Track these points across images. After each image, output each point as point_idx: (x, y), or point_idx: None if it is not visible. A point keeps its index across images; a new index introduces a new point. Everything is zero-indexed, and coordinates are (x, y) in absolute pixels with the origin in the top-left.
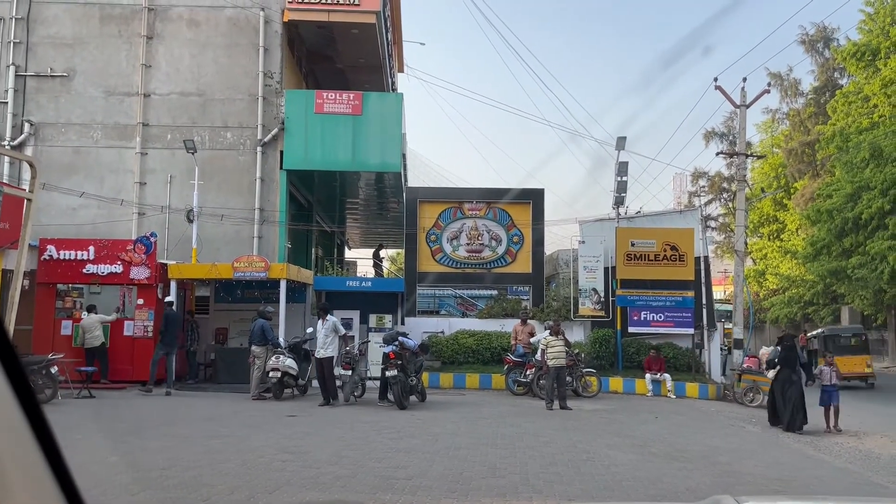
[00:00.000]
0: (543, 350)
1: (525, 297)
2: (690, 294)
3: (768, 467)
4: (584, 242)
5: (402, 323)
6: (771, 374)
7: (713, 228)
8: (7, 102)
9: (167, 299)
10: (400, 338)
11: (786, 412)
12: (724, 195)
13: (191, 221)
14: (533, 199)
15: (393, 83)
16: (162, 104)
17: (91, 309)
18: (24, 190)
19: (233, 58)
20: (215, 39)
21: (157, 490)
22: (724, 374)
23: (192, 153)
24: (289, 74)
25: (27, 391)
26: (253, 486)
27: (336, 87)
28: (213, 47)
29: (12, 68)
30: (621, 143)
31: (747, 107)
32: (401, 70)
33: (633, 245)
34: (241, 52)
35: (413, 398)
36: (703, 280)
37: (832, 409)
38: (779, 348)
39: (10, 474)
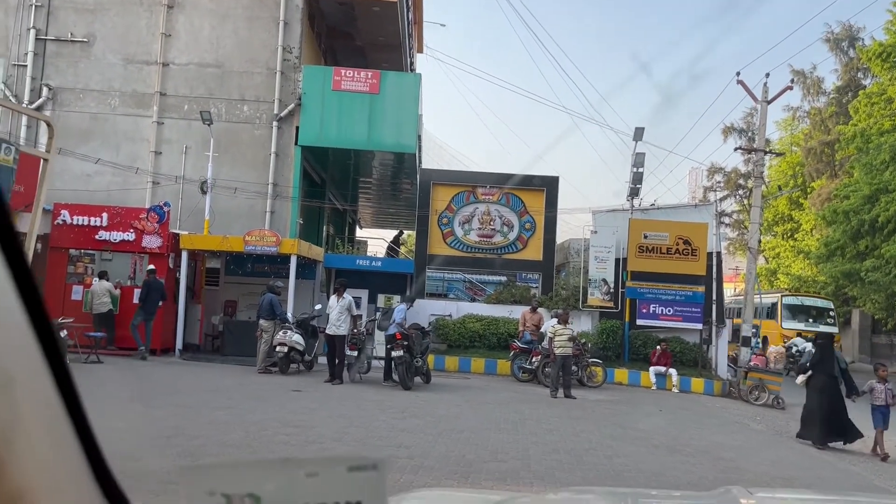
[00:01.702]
0: (551, 338)
1: (534, 285)
2: (701, 289)
3: (772, 465)
4: (596, 232)
5: (412, 304)
6: (800, 379)
7: (727, 225)
8: (27, 66)
9: (149, 267)
10: (394, 315)
11: (817, 424)
12: (740, 192)
13: (204, 193)
14: (547, 186)
15: (411, 63)
16: (180, 74)
17: (102, 275)
18: (41, 150)
19: (252, 30)
20: (235, 11)
21: (160, 458)
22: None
23: (209, 125)
24: (307, 50)
25: (57, 354)
26: (256, 458)
27: (354, 65)
28: (233, 19)
29: (33, 31)
30: (639, 133)
31: (769, 103)
32: (420, 50)
33: (645, 237)
34: (260, 25)
35: (418, 379)
36: (714, 276)
37: (883, 432)
38: (812, 350)
39: (42, 445)
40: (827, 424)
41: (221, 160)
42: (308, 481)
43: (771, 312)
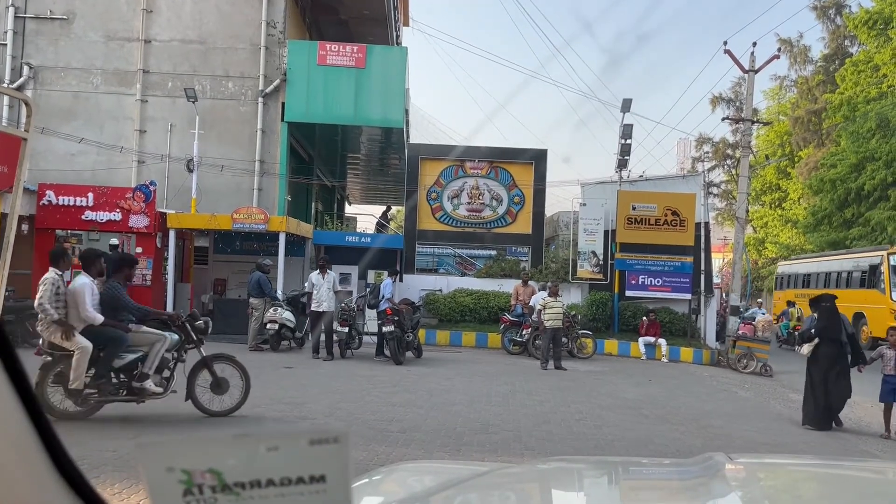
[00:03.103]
0: (541, 311)
1: (524, 258)
2: (689, 260)
3: (759, 432)
4: (585, 205)
5: (401, 280)
6: (806, 349)
7: (715, 195)
8: (6, 44)
9: (111, 241)
10: (382, 290)
11: (818, 406)
12: (728, 162)
13: (191, 171)
14: (535, 159)
15: (397, 37)
16: (163, 51)
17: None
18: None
19: (235, 5)
20: None
21: (152, 435)
22: (717, 339)
23: (193, 102)
24: (292, 24)
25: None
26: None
27: (340, 40)
28: None
29: (12, 9)
30: (626, 104)
31: (756, 72)
32: (406, 24)
33: (634, 209)
34: (243, 0)
35: (409, 354)
36: (702, 246)
37: (892, 407)
38: (814, 315)
39: None
40: (832, 408)
41: (207, 138)
42: (269, 455)
43: (870, 279)
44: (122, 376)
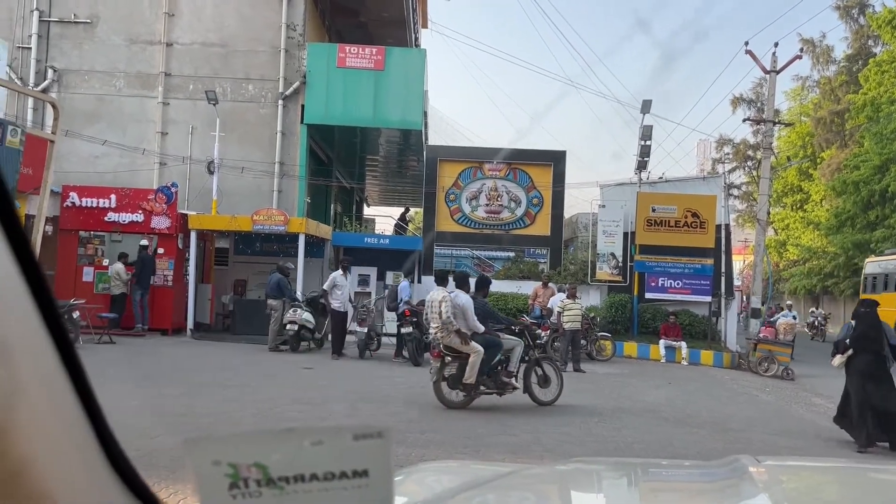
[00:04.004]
0: (560, 312)
1: (542, 260)
2: (710, 262)
3: (780, 436)
4: (604, 206)
5: (420, 282)
6: (837, 361)
7: (736, 197)
8: (31, 48)
9: (141, 242)
10: (400, 293)
11: (859, 420)
12: (749, 163)
13: (211, 173)
14: (554, 161)
15: (416, 39)
16: (184, 54)
17: (122, 257)
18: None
19: (256, 9)
20: None
21: (174, 435)
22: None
23: (214, 104)
24: (311, 27)
25: (63, 335)
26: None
27: (359, 42)
28: None
29: (36, 13)
30: (646, 106)
31: (777, 73)
32: (424, 26)
33: (653, 210)
34: (264, 3)
35: (427, 355)
36: (723, 248)
37: None
38: (852, 322)
39: (46, 415)
40: (872, 421)
41: (228, 140)
42: (313, 450)
43: None
44: (490, 374)
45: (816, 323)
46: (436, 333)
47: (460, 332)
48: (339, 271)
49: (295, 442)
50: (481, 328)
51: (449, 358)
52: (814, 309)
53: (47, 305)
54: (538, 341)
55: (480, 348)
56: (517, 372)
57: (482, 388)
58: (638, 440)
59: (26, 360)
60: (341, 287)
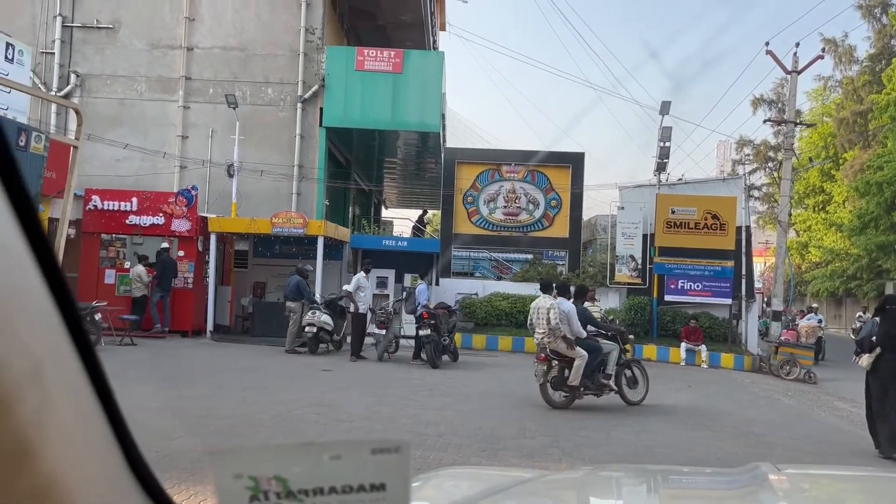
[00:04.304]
0: None
1: (561, 262)
2: (730, 264)
3: (802, 440)
4: (623, 208)
5: (437, 284)
6: (865, 360)
7: (756, 198)
8: (54, 53)
9: (163, 245)
10: (418, 297)
11: (884, 426)
12: (770, 164)
13: (231, 176)
14: (573, 162)
15: (434, 41)
16: (204, 58)
17: (142, 259)
18: (71, 138)
19: (275, 12)
20: None
21: (194, 437)
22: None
23: (234, 108)
24: (330, 31)
25: (84, 340)
26: (286, 437)
27: (377, 45)
28: (255, 1)
29: (59, 19)
30: (666, 107)
31: (799, 73)
32: (442, 28)
33: (673, 212)
34: (282, 7)
35: (445, 358)
36: (743, 250)
37: None
38: (876, 320)
39: (72, 426)
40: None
41: (247, 143)
42: (332, 464)
43: None
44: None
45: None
46: (542, 338)
47: (566, 337)
48: (362, 273)
49: (314, 456)
50: (584, 333)
51: (555, 361)
52: (861, 314)
53: (69, 311)
54: (627, 345)
55: (585, 353)
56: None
57: (583, 389)
58: (657, 444)
59: (53, 372)
60: (364, 289)
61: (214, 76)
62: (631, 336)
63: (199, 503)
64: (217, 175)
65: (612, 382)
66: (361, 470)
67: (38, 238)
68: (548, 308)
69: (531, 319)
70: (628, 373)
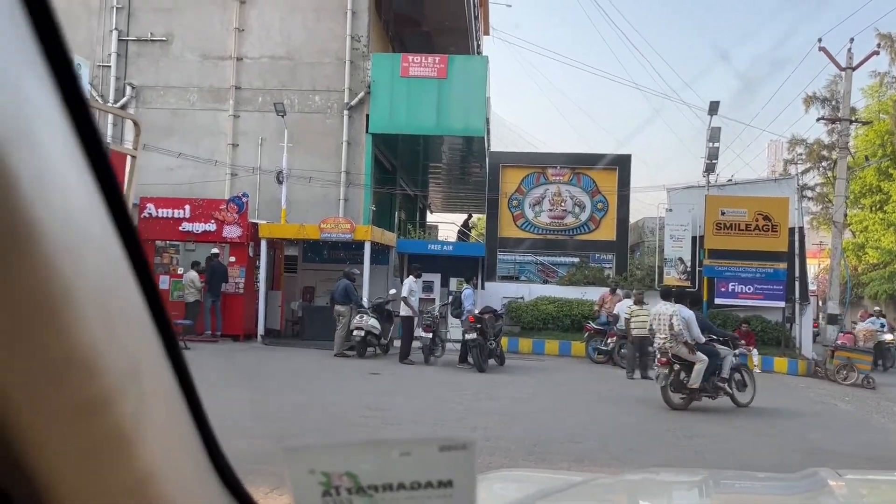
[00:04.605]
0: (627, 319)
1: (608, 266)
2: (783, 266)
3: (860, 446)
4: (671, 210)
5: (483, 288)
6: None
7: (809, 198)
8: (110, 66)
9: (212, 251)
10: (464, 302)
11: None
12: (824, 164)
13: (280, 183)
14: (619, 165)
15: (478, 46)
16: (254, 68)
17: (194, 265)
18: (129, 147)
19: (321, 21)
20: (304, 3)
21: (246, 438)
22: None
23: (282, 116)
24: (375, 38)
25: (171, 337)
26: (336, 439)
27: (422, 51)
28: (302, 11)
29: (115, 33)
30: (714, 107)
31: (853, 69)
32: (486, 32)
33: (723, 214)
34: (329, 16)
35: (492, 361)
36: (796, 252)
37: None
38: None
39: (165, 422)
40: None
41: (295, 150)
42: (401, 460)
43: None
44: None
45: None
46: (664, 343)
47: (687, 342)
48: (412, 278)
49: (384, 452)
50: (703, 339)
51: (677, 366)
52: None
53: (159, 312)
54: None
55: (705, 357)
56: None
57: (701, 392)
58: (709, 449)
59: (148, 372)
60: (414, 293)
61: (263, 85)
62: (742, 342)
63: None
64: (267, 182)
65: (726, 386)
66: (429, 467)
67: (131, 240)
68: (670, 315)
69: (650, 325)
70: (738, 376)
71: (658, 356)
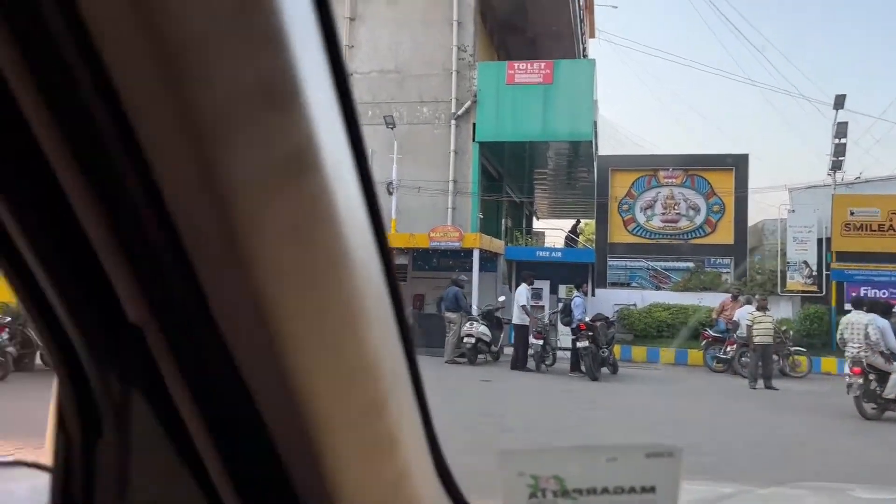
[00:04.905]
0: (749, 326)
1: (725, 270)
2: None
3: None
4: (794, 211)
5: (593, 294)
6: None
7: None
8: None
9: None
10: (574, 311)
11: None
12: None
13: (390, 193)
14: (736, 165)
15: (584, 49)
16: (363, 82)
17: None
18: None
19: (428, 34)
20: (412, 17)
21: None
22: None
23: (392, 128)
24: (481, 47)
25: (409, 342)
26: (451, 445)
27: (527, 57)
28: (409, 25)
29: None
30: (840, 101)
31: None
32: (592, 35)
33: (852, 214)
34: (435, 28)
35: (605, 370)
36: None
37: None
38: None
39: (410, 420)
40: None
41: (405, 161)
42: (607, 465)
43: None
44: None
45: None
46: (858, 353)
47: (883, 352)
48: (525, 285)
49: (591, 457)
50: None
51: (871, 375)
52: None
53: (401, 318)
54: None
55: None
56: None
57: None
58: (847, 464)
59: (401, 377)
60: (530, 300)
61: (373, 99)
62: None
63: None
64: (378, 193)
65: None
66: (634, 472)
67: (382, 245)
68: (865, 324)
69: (842, 334)
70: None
71: (851, 366)
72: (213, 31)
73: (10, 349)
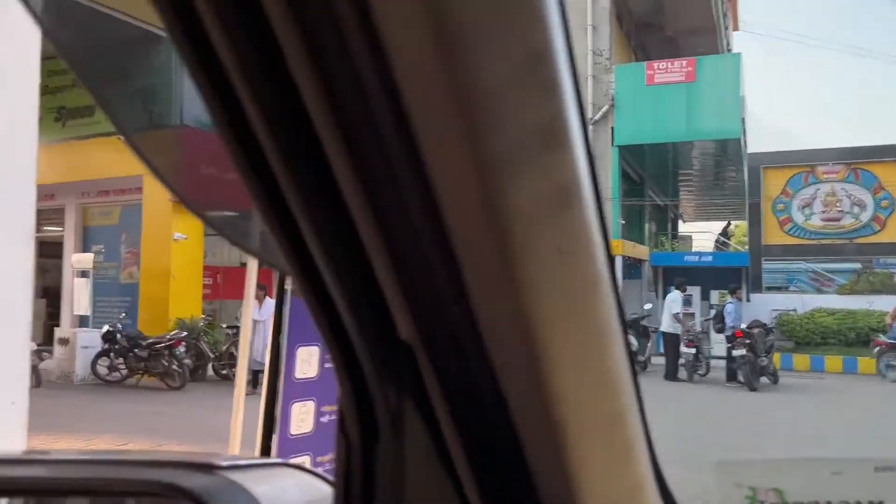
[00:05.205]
0: None
1: None
2: None
3: None
4: None
5: (748, 300)
6: None
7: None
8: None
9: None
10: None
11: None
12: None
13: None
14: None
15: (728, 43)
16: None
17: None
18: None
19: None
20: None
21: None
22: None
23: None
24: (618, 49)
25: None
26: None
27: (667, 56)
28: None
29: None
30: None
31: None
32: (736, 28)
33: None
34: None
35: (764, 380)
36: None
37: None
38: None
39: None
40: None
41: None
42: (832, 479)
43: None
44: None
45: None
46: None
47: None
48: (677, 292)
49: (814, 469)
50: None
51: None
52: None
53: (625, 330)
54: None
55: None
56: None
57: None
58: None
59: (629, 388)
60: (679, 308)
61: None
62: None
63: None
64: None
65: None
66: (862, 487)
67: (612, 264)
68: None
69: None
70: None
71: None
72: (508, 82)
73: (187, 361)
